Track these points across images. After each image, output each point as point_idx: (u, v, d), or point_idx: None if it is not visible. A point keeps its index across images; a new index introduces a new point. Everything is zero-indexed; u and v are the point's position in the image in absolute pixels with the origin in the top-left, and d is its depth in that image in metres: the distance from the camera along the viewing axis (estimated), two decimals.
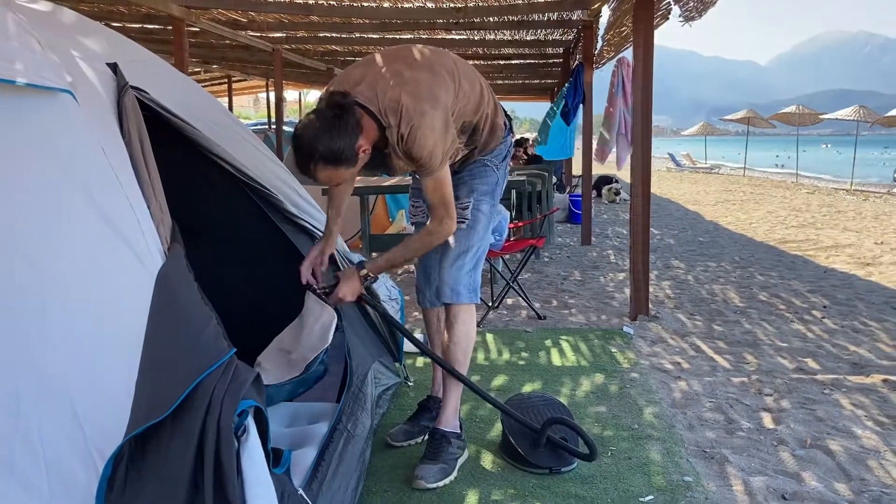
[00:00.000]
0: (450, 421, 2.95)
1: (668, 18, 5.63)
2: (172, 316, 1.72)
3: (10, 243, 1.73)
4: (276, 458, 1.88)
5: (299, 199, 3.18)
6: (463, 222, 2.90)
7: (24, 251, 1.73)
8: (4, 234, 1.73)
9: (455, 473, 2.81)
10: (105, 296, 1.75)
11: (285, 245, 3.09)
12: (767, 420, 3.35)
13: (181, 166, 2.80)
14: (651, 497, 2.61)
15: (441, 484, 2.74)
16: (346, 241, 4.70)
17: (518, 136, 18.81)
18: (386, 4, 7.98)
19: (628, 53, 8.23)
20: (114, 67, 2.34)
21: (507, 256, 5.48)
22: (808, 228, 10.66)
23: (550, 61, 13.38)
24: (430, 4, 7.96)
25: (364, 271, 2.88)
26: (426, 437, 3.00)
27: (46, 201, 1.81)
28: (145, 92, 2.40)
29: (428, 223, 2.78)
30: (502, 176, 3.05)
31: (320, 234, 3.17)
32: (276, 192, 3.01)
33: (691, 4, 4.92)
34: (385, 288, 3.55)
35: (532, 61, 13.52)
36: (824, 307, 5.54)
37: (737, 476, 2.77)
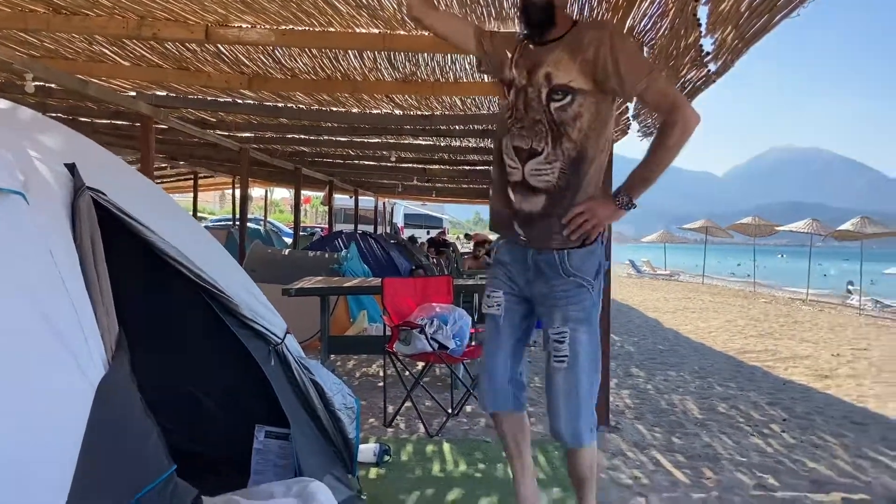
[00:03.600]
0: None
1: (626, 133, 5.81)
2: (111, 429, 1.65)
3: None
4: None
5: (256, 303, 3.13)
6: (562, 360, 2.70)
7: None
8: None
9: None
10: (42, 405, 1.67)
11: (240, 350, 3.01)
12: None
13: (135, 267, 2.76)
14: None
15: None
16: (303, 342, 4.63)
17: (480, 238, 19.03)
18: (354, 110, 8.14)
19: None
20: (71, 168, 2.32)
21: (468, 361, 5.42)
22: (767, 339, 10.79)
23: None
24: (397, 111, 8.14)
25: (618, 194, 2.67)
26: None
27: None
28: (102, 193, 2.37)
29: (664, 120, 2.60)
30: (597, 296, 2.78)
31: (276, 338, 3.10)
32: (233, 295, 2.96)
33: (650, 121, 5.09)
34: (341, 395, 3.46)
35: None
36: (783, 420, 5.53)
37: None
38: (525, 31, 2.78)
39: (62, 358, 1.71)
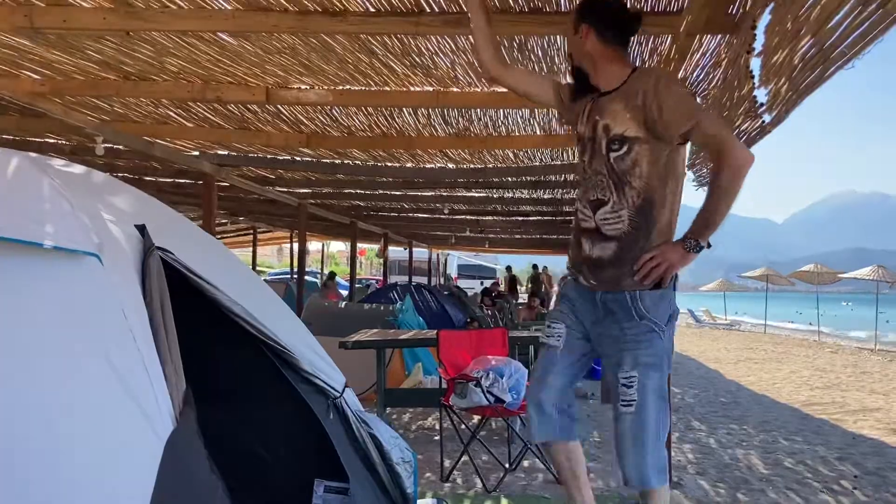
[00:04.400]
0: None
1: None
2: (179, 485, 1.69)
3: (26, 400, 1.73)
4: None
5: (316, 357, 3.18)
6: (629, 405, 2.68)
7: (35, 407, 1.73)
8: (21, 391, 1.73)
9: None
10: (113, 459, 1.73)
11: (300, 404, 3.05)
12: None
13: (200, 324, 2.83)
14: None
15: None
16: (359, 395, 4.65)
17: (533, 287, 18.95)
18: (409, 165, 8.29)
19: None
20: (141, 229, 2.42)
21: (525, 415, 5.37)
22: (834, 390, 10.43)
23: (568, 218, 13.68)
24: (451, 165, 8.26)
25: (686, 238, 2.68)
26: None
27: (64, 360, 1.82)
28: (171, 253, 2.47)
29: (714, 162, 2.63)
30: (669, 341, 2.75)
31: (335, 392, 3.14)
32: (293, 350, 3.01)
33: (705, 170, 5.07)
34: (398, 450, 3.46)
35: (549, 218, 13.83)
36: (854, 477, 5.32)
37: None
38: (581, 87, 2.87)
39: (133, 413, 1.77)
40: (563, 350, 2.93)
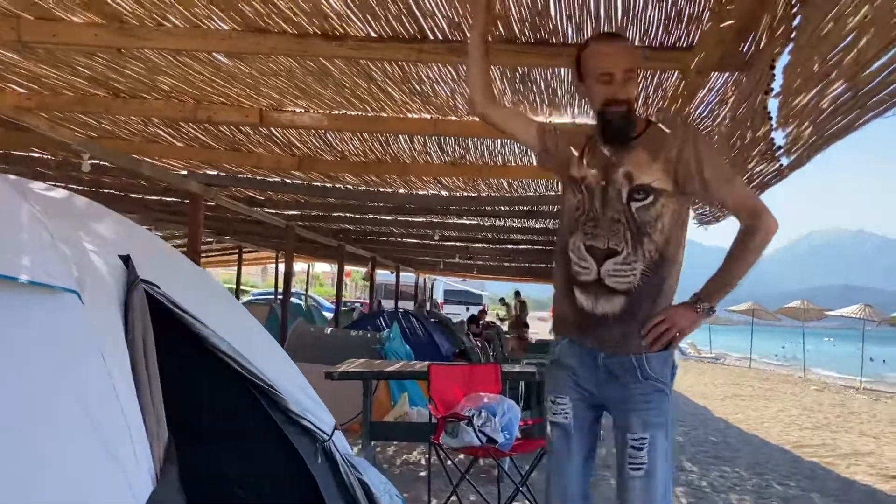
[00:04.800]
0: None
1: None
2: None
3: None
4: None
5: (304, 397, 3.02)
6: (640, 468, 2.55)
7: (7, 462, 1.56)
8: None
9: None
10: None
11: (287, 447, 2.89)
12: None
13: (184, 360, 2.67)
14: None
15: None
16: (343, 424, 4.48)
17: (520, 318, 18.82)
18: (401, 190, 8.17)
19: None
20: (125, 259, 2.27)
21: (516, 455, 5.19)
22: (823, 431, 10.32)
23: None
24: (444, 192, 8.15)
25: (698, 301, 2.58)
26: None
27: (37, 407, 1.66)
28: (155, 286, 2.31)
29: (746, 225, 2.53)
30: (671, 400, 2.68)
31: (324, 435, 2.98)
32: (282, 389, 2.85)
33: (707, 210, 4.97)
34: (388, 496, 3.30)
35: (540, 247, 13.73)
36: None
37: None
38: (603, 138, 2.69)
39: (110, 470, 1.61)
40: (574, 425, 2.73)
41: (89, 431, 1.64)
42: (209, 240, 15.88)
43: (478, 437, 4.65)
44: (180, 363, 2.58)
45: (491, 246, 14.30)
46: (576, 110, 4.82)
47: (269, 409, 2.85)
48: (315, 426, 2.96)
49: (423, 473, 5.76)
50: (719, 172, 2.54)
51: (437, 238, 12.70)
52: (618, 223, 2.57)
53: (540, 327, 26.28)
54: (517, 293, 25.20)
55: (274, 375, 2.88)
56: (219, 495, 3.16)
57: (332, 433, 3.04)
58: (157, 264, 2.52)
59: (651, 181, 2.54)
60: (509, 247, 14.10)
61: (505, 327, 17.53)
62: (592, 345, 2.68)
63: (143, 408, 1.77)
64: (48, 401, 1.69)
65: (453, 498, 4.86)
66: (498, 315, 28.52)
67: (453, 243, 14.20)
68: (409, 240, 14.22)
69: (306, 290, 24.33)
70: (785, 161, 2.96)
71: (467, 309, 29.12)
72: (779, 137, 2.86)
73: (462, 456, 5.45)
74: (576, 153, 2.72)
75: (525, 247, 13.86)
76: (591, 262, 2.61)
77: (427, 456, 5.43)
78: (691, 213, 5.15)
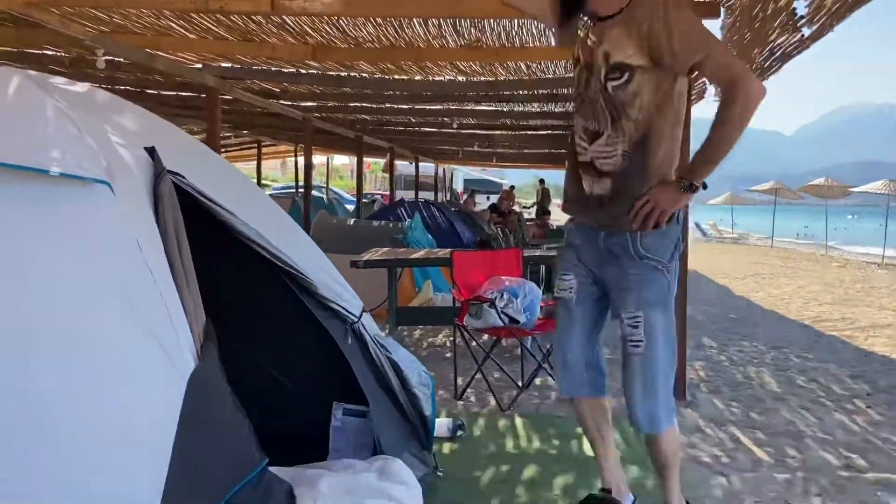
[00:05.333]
0: (678, 499, 2.89)
1: (703, 97, 5.60)
2: (203, 423, 1.63)
3: (38, 338, 1.65)
4: None
5: (332, 282, 3.10)
6: (637, 345, 2.64)
7: (51, 348, 1.65)
8: (32, 329, 1.66)
9: None
10: (134, 398, 1.66)
11: (318, 330, 3.00)
12: None
13: (214, 250, 2.75)
14: None
15: None
16: (371, 311, 4.61)
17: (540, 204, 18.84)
18: (417, 77, 8.04)
19: None
20: (151, 151, 2.30)
21: (539, 334, 5.34)
22: (843, 306, 10.43)
23: None
24: (461, 78, 8.02)
25: (680, 179, 2.58)
26: None
27: (77, 297, 1.74)
28: (182, 176, 2.36)
29: (724, 95, 2.47)
30: (673, 278, 2.69)
31: (353, 317, 3.08)
32: (311, 275, 2.94)
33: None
34: (417, 374, 3.43)
35: (560, 132, 13.57)
36: (868, 395, 5.33)
37: None
38: (585, 13, 2.68)
39: (153, 351, 1.70)
40: (577, 300, 2.85)
41: (128, 314, 1.72)
42: (227, 135, 15.84)
43: (500, 318, 4.78)
44: (209, 256, 2.66)
45: (510, 132, 14.12)
46: None
47: (298, 294, 2.94)
48: (344, 309, 3.06)
49: (448, 355, 5.94)
50: (690, 41, 2.47)
51: (455, 126, 12.58)
52: (598, 104, 2.59)
53: (562, 215, 26.24)
54: (541, 181, 25.11)
55: (302, 261, 2.96)
56: (255, 380, 3.31)
57: (361, 315, 3.14)
58: (181, 155, 2.55)
59: (625, 58, 2.51)
60: (529, 133, 13.94)
61: (528, 215, 17.57)
62: (593, 225, 2.75)
63: (180, 291, 1.84)
64: (89, 290, 1.76)
65: (478, 376, 5.03)
66: (518, 203, 28.46)
67: (472, 131, 14.05)
68: (427, 129, 14.09)
69: (327, 183, 24.32)
70: (806, 31, 2.89)
71: (488, 198, 29.09)
72: (801, 7, 2.78)
73: (486, 337, 5.62)
74: (581, 33, 2.72)
75: (544, 132, 13.69)
76: (586, 143, 2.65)
77: (452, 338, 5.58)
78: (710, 90, 5.06)
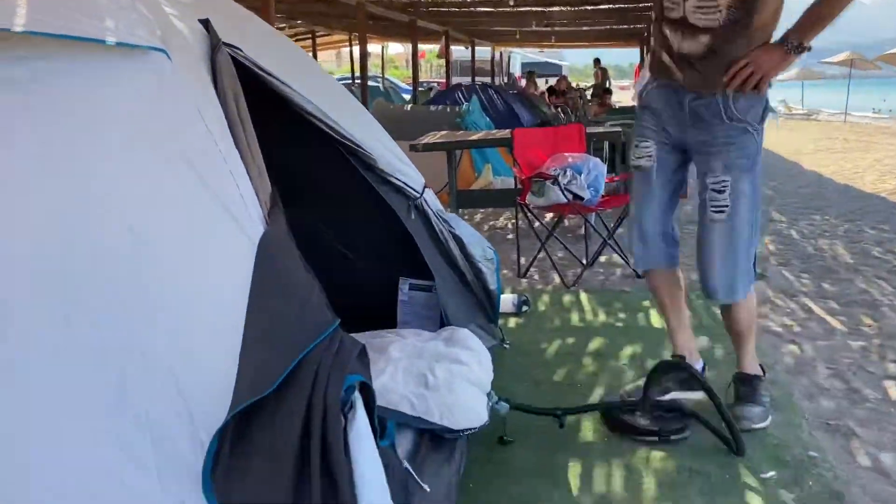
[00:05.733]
0: (753, 365, 2.87)
1: None
2: (275, 286, 1.65)
3: (109, 212, 1.66)
4: (380, 431, 1.81)
5: (393, 158, 3.07)
6: (721, 211, 2.54)
7: (122, 220, 1.66)
8: (102, 203, 1.67)
9: (770, 418, 2.73)
10: (206, 266, 1.68)
11: (381, 205, 2.99)
12: (894, 391, 3.10)
13: (273, 124, 2.72)
14: (773, 473, 2.44)
15: (763, 425, 2.69)
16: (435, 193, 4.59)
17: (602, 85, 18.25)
18: None
19: None
20: (205, 23, 2.25)
21: (603, 211, 5.25)
22: None
23: (641, 5, 12.83)
24: None
25: (787, 38, 2.42)
26: None
27: (142, 168, 1.73)
28: (238, 49, 2.31)
29: None
30: (761, 143, 2.58)
31: (415, 192, 3.06)
32: (372, 151, 2.90)
33: None
34: (480, 248, 3.43)
35: (621, 6, 12.99)
36: None
37: (866, 452, 2.58)
38: None
39: (222, 217, 1.70)
40: (656, 168, 2.74)
41: (195, 183, 1.71)
42: (282, 25, 15.66)
43: (564, 194, 4.70)
44: (268, 131, 2.64)
45: (569, 8, 13.60)
46: None
47: (360, 169, 2.92)
48: (406, 184, 3.03)
49: (510, 236, 5.93)
50: None
51: (512, 3, 12.15)
52: None
53: (622, 96, 25.52)
54: (597, 60, 24.27)
55: (363, 136, 2.93)
56: (321, 257, 3.34)
57: (423, 191, 3.12)
58: (237, 29, 2.48)
59: None
60: (588, 7, 13.40)
61: (588, 95, 17.09)
62: (678, 85, 2.60)
63: (244, 160, 1.83)
64: (154, 159, 1.76)
65: (541, 255, 5.01)
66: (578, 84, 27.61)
67: (529, 8, 13.56)
68: (482, 8, 13.65)
69: (382, 72, 23.99)
70: None
71: (546, 81, 28.36)
72: None
73: (549, 217, 5.57)
74: None
75: (606, 7, 13.15)
76: None
77: (513, 220, 5.55)
78: None
